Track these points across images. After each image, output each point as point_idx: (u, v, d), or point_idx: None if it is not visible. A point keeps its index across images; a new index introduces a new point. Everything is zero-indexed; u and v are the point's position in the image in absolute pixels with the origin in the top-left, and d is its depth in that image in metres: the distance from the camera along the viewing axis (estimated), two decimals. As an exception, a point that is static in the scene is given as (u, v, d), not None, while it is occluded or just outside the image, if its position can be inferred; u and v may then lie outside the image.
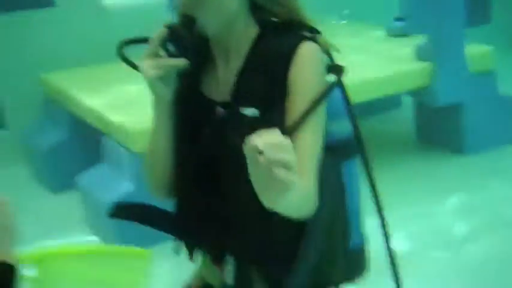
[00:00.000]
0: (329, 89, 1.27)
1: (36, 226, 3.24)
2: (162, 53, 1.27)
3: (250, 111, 1.29)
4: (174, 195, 1.42)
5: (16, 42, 4.00)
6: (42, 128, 3.87)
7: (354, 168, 1.42)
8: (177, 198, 1.43)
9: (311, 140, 1.29)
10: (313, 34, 1.34)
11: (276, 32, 1.35)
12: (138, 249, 1.12)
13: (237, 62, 1.33)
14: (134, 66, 1.36)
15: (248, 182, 1.14)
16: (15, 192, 3.57)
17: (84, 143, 3.56)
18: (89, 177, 3.13)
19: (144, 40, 1.30)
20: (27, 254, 1.04)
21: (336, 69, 1.32)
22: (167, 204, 1.41)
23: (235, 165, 1.29)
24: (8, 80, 3.99)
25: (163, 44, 1.26)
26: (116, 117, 3.03)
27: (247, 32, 1.34)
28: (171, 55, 1.26)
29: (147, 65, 1.26)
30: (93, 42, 4.00)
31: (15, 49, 4.00)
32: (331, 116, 1.36)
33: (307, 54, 1.29)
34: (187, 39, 1.26)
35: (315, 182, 1.26)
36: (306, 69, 1.29)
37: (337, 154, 1.40)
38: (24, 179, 3.86)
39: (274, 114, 1.29)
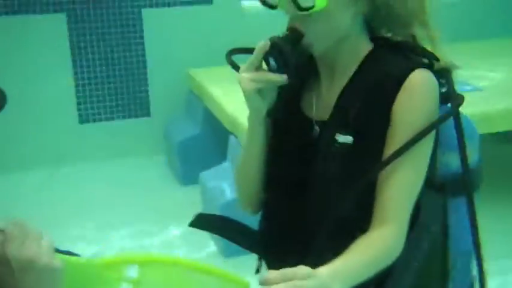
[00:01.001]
0: (437, 122, 1.18)
1: (156, 216, 3.36)
2: (263, 65, 1.23)
3: (344, 138, 1.21)
4: (262, 212, 1.38)
5: (168, 35, 4.15)
6: (180, 120, 3.99)
7: (465, 206, 1.28)
8: (264, 215, 1.39)
9: (408, 177, 1.19)
10: (429, 59, 1.24)
11: (389, 53, 1.25)
12: (238, 277, 1.11)
13: (341, 81, 1.26)
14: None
15: (334, 210, 1.08)
16: (148, 179, 3.81)
17: (215, 139, 3.62)
18: (211, 175, 3.17)
19: (250, 50, 1.27)
20: (131, 256, 1.06)
21: (453, 98, 1.22)
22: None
23: (321, 189, 1.24)
24: (156, 72, 4.15)
25: (265, 56, 1.22)
26: (244, 119, 3.02)
27: (357, 50, 1.26)
28: (271, 69, 1.22)
29: (246, 76, 1.23)
30: (235, 43, 4.03)
31: (166, 42, 4.14)
32: (446, 147, 1.26)
33: (418, 84, 1.19)
34: (289, 55, 1.20)
35: (403, 226, 1.18)
36: (414, 99, 1.19)
37: (444, 190, 1.30)
38: (161, 167, 4.00)
39: (370, 142, 1.20)
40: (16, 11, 3.87)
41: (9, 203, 3.33)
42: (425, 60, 1.25)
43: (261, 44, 1.21)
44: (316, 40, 1.21)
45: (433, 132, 1.19)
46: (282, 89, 1.28)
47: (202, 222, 1.47)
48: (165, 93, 4.17)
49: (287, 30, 1.22)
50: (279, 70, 1.22)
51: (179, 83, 4.08)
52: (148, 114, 4.22)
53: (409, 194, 1.20)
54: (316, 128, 1.27)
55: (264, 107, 1.26)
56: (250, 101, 1.26)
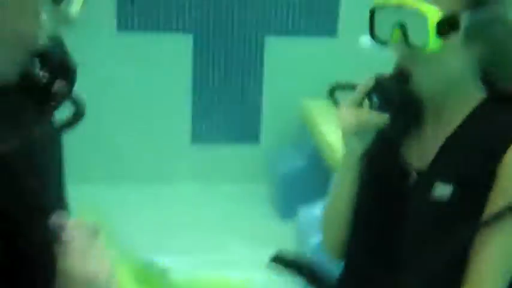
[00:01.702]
0: None
1: (248, 246, 3.34)
2: (365, 104, 1.19)
3: (443, 190, 1.14)
4: (345, 258, 1.32)
5: (288, 64, 4.16)
6: (288, 151, 3.97)
7: None
8: (345, 264, 1.33)
9: (507, 243, 1.12)
10: None
11: (502, 106, 1.17)
12: None
13: (447, 129, 1.19)
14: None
15: (424, 268, 1.02)
16: (247, 206, 3.80)
17: (320, 175, 3.56)
18: (309, 212, 3.12)
19: (354, 87, 1.24)
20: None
21: None
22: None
23: (411, 243, 1.17)
24: (271, 99, 4.17)
25: (369, 94, 1.18)
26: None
27: (467, 98, 1.19)
28: (374, 106, 1.18)
29: (346, 113, 1.19)
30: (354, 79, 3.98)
31: (285, 70, 4.16)
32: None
33: None
34: (393, 93, 1.16)
35: None
36: None
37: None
38: (262, 196, 3.98)
39: (470, 199, 1.13)
40: (148, 28, 4.03)
41: (109, 213, 3.43)
42: None
43: (365, 82, 1.18)
44: (424, 83, 1.16)
45: None
46: (383, 130, 1.22)
47: (281, 261, 1.43)
48: (276, 121, 4.17)
49: (394, 69, 1.18)
50: (381, 109, 1.17)
51: (292, 113, 4.06)
52: (257, 141, 4.24)
53: (506, 260, 1.12)
54: (414, 175, 1.20)
55: (360, 148, 1.22)
56: (347, 139, 1.22)
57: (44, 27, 0.87)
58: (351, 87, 1.24)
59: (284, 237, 3.27)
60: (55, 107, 0.91)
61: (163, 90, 4.10)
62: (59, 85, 0.90)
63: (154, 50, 4.03)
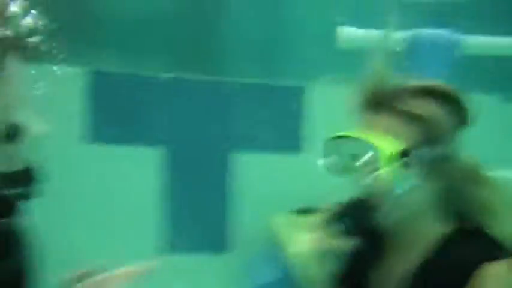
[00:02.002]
0: None
1: None
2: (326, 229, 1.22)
3: None
4: None
5: (254, 181, 4.21)
6: (259, 263, 3.94)
7: None
8: None
9: None
10: (503, 250, 1.18)
11: (463, 240, 1.21)
12: None
13: (406, 262, 1.22)
14: None
15: None
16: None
17: (292, 288, 3.53)
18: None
19: (312, 211, 1.27)
20: None
21: None
22: None
23: None
24: (238, 214, 4.19)
25: (338, 218, 1.22)
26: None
27: (427, 231, 1.23)
28: (341, 232, 1.21)
29: (310, 238, 1.24)
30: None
31: (252, 188, 4.20)
32: None
33: (488, 278, 1.13)
34: (361, 219, 1.20)
35: None
36: None
37: None
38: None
39: None
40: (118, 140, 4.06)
41: None
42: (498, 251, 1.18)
43: (327, 207, 1.21)
44: (387, 215, 1.20)
45: None
46: (356, 255, 1.26)
47: None
48: (245, 238, 4.17)
49: (360, 197, 1.22)
50: (347, 233, 1.20)
51: (261, 228, 4.07)
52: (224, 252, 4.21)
53: None
54: None
55: (322, 273, 1.26)
56: (310, 264, 1.26)
57: None
58: (315, 211, 1.27)
59: None
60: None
61: (131, 203, 4.08)
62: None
63: (123, 162, 4.06)
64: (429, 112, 1.17)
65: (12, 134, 0.92)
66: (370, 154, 1.16)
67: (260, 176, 4.21)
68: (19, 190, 1.01)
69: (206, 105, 4.17)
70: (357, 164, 1.18)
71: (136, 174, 4.09)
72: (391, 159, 1.14)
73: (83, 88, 3.98)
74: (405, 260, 1.23)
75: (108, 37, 4.04)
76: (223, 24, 4.19)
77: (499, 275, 1.13)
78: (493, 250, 1.18)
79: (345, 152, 1.22)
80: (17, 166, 0.99)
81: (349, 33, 3.41)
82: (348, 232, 1.21)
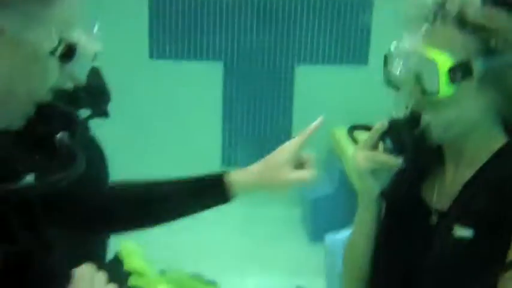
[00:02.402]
0: None
1: (277, 269, 3.38)
2: (380, 146, 1.20)
3: (464, 232, 1.13)
4: None
5: (317, 92, 4.20)
6: (318, 178, 3.98)
7: None
8: None
9: None
10: None
11: None
12: None
13: (468, 172, 1.19)
14: None
15: None
16: (279, 231, 3.83)
17: (349, 200, 3.56)
18: (336, 238, 3.12)
19: (369, 128, 1.25)
20: None
21: None
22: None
23: (434, 282, 1.17)
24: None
25: (382, 137, 1.19)
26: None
27: (487, 142, 1.19)
28: (388, 150, 1.19)
29: (361, 155, 1.20)
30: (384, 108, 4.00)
31: (314, 99, 4.19)
32: None
33: None
34: (406, 138, 1.16)
35: None
36: None
37: None
38: (294, 220, 4.04)
39: (491, 243, 1.12)
40: (178, 56, 4.12)
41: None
42: None
43: (379, 125, 1.19)
44: (440, 128, 1.16)
45: None
46: (403, 171, 1.22)
47: None
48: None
49: (409, 113, 1.18)
50: (395, 152, 1.18)
51: (321, 140, 4.08)
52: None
53: None
54: (434, 217, 1.21)
55: (375, 188, 1.22)
56: (362, 180, 1.22)
57: (51, 84, 0.93)
58: (368, 128, 1.25)
59: (314, 260, 3.30)
60: (56, 157, 0.95)
61: (195, 117, 4.17)
62: (60, 136, 0.95)
63: (185, 77, 4.12)
64: (490, 20, 1.11)
65: (69, 52, 0.94)
66: (427, 68, 1.12)
67: (325, 89, 4.19)
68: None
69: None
70: (414, 78, 1.15)
71: (199, 88, 4.16)
72: (450, 72, 1.10)
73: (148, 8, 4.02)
74: (464, 171, 1.20)
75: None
76: None
77: None
78: None
79: (403, 65, 1.18)
80: (77, 83, 1.02)
81: None
82: (398, 149, 1.18)
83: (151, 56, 4.10)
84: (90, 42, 0.97)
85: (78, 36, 0.95)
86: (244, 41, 4.13)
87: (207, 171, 1.31)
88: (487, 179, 1.16)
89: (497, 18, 1.11)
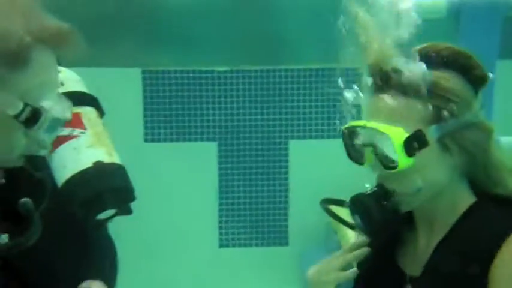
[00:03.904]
0: None
1: None
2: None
3: None
4: None
5: (312, 167, 4.23)
6: (317, 252, 3.96)
7: None
8: None
9: None
10: None
11: (492, 208, 1.18)
12: None
13: (440, 235, 1.21)
14: (341, 221, 1.34)
15: None
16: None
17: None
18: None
19: (341, 203, 1.28)
20: None
21: None
22: None
23: None
24: (297, 202, 4.23)
25: (351, 213, 1.22)
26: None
27: (456, 204, 1.20)
28: (357, 226, 1.22)
29: (317, 270, 1.32)
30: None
31: (310, 174, 4.22)
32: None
33: None
34: (373, 213, 1.19)
35: None
36: None
37: None
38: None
39: None
40: (173, 138, 4.18)
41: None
42: None
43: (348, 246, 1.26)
44: (407, 197, 1.17)
45: None
46: (375, 243, 1.27)
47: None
48: (303, 224, 4.21)
49: (375, 186, 1.20)
50: (364, 228, 1.20)
51: (318, 214, 4.08)
52: (286, 243, 4.26)
53: None
54: (409, 285, 1.23)
55: None
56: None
57: (19, 149, 0.95)
58: (340, 203, 1.28)
59: None
60: (20, 222, 0.97)
61: (191, 197, 4.19)
62: (24, 201, 0.97)
63: (179, 159, 4.16)
64: (438, 85, 1.13)
65: (33, 117, 0.95)
66: (382, 143, 1.14)
67: (319, 163, 4.22)
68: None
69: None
70: (370, 153, 1.17)
71: (194, 168, 4.19)
72: (405, 145, 1.11)
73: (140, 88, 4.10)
74: (436, 235, 1.22)
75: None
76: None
77: None
78: None
79: (360, 141, 1.20)
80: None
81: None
82: (363, 226, 1.21)
83: (146, 140, 4.16)
84: (59, 109, 0.99)
85: (48, 103, 0.96)
86: (237, 120, 4.20)
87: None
88: (456, 242, 1.17)
89: (444, 81, 1.13)
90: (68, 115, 1.02)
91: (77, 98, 1.20)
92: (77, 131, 1.18)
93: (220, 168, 4.23)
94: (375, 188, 1.20)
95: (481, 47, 2.53)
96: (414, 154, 1.12)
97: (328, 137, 4.23)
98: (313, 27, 4.18)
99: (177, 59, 4.14)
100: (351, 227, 1.26)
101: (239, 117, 4.20)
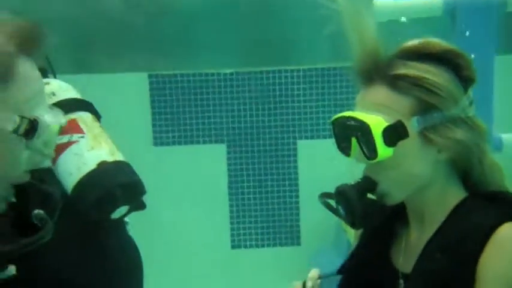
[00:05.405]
0: None
1: None
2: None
3: None
4: None
5: (321, 167, 4.24)
6: (328, 252, 3.98)
7: None
8: None
9: None
10: None
11: (481, 203, 1.18)
12: None
13: (430, 231, 1.21)
14: (338, 215, 1.34)
15: None
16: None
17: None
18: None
19: None
20: None
21: None
22: None
23: None
24: (307, 202, 4.23)
25: (336, 204, 1.22)
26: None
27: (444, 198, 1.20)
28: (341, 216, 1.23)
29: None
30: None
31: (319, 173, 4.23)
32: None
33: (506, 239, 1.11)
34: (355, 203, 1.18)
35: None
36: (501, 256, 1.10)
37: None
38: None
39: None
40: (182, 141, 4.20)
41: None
42: None
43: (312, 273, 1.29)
44: (391, 189, 1.18)
45: None
46: (368, 235, 1.27)
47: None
48: (315, 223, 4.21)
49: (362, 177, 1.21)
50: (347, 218, 1.20)
51: (328, 215, 4.09)
52: (298, 243, 4.27)
53: None
54: (401, 281, 1.22)
55: None
56: None
57: (23, 163, 0.96)
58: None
59: None
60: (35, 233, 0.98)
61: (201, 199, 4.20)
62: (37, 212, 0.99)
63: (189, 161, 4.18)
64: (420, 77, 1.13)
65: (31, 128, 0.96)
66: (363, 132, 1.14)
67: (328, 163, 4.22)
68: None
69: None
70: (355, 143, 1.17)
71: (204, 170, 4.21)
72: (384, 134, 1.12)
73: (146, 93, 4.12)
74: (426, 231, 1.21)
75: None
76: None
77: None
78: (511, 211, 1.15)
79: (344, 133, 1.20)
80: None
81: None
82: (346, 216, 1.21)
83: (155, 144, 4.18)
84: (52, 116, 1.00)
85: (41, 112, 0.98)
86: (245, 122, 4.22)
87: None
88: (444, 239, 1.17)
89: (430, 75, 1.13)
90: (62, 120, 1.03)
91: (71, 105, 1.21)
92: (75, 136, 1.19)
93: (229, 170, 4.24)
94: (359, 180, 1.20)
95: (478, 43, 2.54)
96: (394, 144, 1.12)
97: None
98: (320, 26, 4.20)
99: (184, 62, 4.16)
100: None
101: (247, 118, 4.22)
